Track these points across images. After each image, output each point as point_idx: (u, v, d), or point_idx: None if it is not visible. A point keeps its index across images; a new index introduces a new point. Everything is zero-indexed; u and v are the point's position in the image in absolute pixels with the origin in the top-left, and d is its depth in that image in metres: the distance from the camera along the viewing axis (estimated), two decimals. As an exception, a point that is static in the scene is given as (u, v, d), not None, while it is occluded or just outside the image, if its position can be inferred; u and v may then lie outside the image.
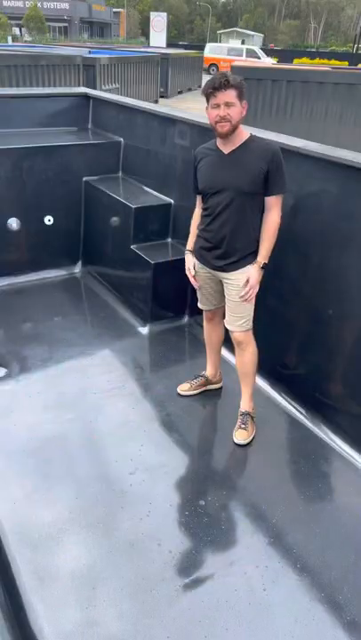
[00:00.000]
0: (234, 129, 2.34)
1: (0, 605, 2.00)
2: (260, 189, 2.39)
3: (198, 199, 2.67)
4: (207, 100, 2.33)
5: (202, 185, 2.53)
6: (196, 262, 2.70)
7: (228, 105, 2.28)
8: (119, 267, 4.11)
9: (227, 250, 2.52)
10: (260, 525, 2.29)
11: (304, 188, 2.72)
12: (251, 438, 2.73)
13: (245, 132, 2.43)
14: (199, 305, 2.90)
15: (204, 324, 2.98)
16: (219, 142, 2.45)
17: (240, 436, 2.72)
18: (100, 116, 4.81)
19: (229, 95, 2.26)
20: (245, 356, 2.70)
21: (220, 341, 2.99)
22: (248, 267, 2.51)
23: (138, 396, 3.07)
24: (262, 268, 2.49)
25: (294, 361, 3.03)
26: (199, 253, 2.67)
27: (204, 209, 2.57)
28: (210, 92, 2.29)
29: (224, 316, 2.73)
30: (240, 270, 2.53)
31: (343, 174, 2.50)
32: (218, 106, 2.29)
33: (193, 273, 2.71)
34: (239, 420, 2.77)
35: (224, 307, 2.71)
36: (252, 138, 2.43)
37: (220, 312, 2.81)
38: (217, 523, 2.28)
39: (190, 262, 2.71)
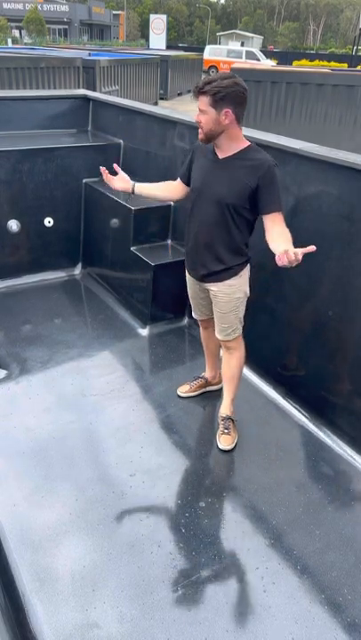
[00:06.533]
0: (208, 137, 2.23)
1: (0, 607, 2.00)
2: (245, 204, 2.26)
3: (177, 179, 2.58)
4: None
5: (191, 187, 2.45)
6: (187, 271, 2.65)
7: (200, 111, 2.18)
8: (119, 268, 4.12)
9: (209, 260, 2.42)
10: (261, 527, 2.29)
11: (304, 189, 2.73)
12: (235, 443, 2.71)
13: (244, 141, 2.29)
14: (193, 314, 2.87)
15: (200, 331, 2.96)
16: (215, 145, 2.32)
17: (225, 442, 2.69)
18: (100, 117, 4.82)
19: (202, 102, 2.16)
20: (232, 360, 2.67)
21: (217, 346, 2.97)
22: (234, 279, 2.44)
23: (138, 397, 3.07)
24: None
25: (294, 362, 3.03)
26: (186, 260, 2.60)
27: (190, 213, 2.46)
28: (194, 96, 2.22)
29: None
30: (224, 283, 2.45)
31: (343, 175, 2.50)
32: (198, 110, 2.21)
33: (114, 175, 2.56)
34: (221, 425, 2.74)
35: None
36: (249, 148, 2.28)
37: (213, 321, 2.77)
38: (217, 524, 2.28)
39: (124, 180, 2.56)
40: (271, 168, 2.21)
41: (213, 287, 2.51)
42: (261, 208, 2.25)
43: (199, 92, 2.16)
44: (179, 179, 2.57)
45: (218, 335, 2.65)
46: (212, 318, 2.73)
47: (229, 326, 2.57)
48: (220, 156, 2.31)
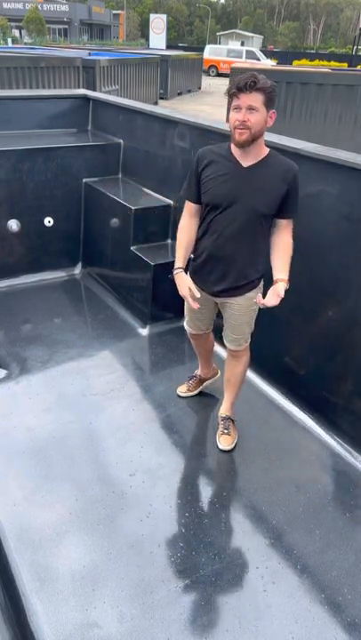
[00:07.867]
0: (253, 139, 2.06)
1: (0, 607, 2.00)
2: (273, 211, 2.19)
3: (190, 207, 2.36)
4: (230, 101, 2.05)
5: (209, 197, 2.22)
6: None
7: (250, 109, 1.99)
8: (119, 268, 4.12)
9: (233, 274, 2.30)
10: (260, 527, 2.29)
11: (304, 188, 2.71)
12: (235, 443, 2.71)
13: (265, 147, 2.19)
14: (185, 325, 2.76)
15: (191, 340, 2.86)
16: (235, 151, 2.16)
17: (225, 442, 2.69)
18: (100, 117, 4.82)
19: (254, 99, 1.98)
20: (238, 367, 2.63)
21: (209, 350, 2.95)
22: (254, 292, 2.36)
23: (138, 397, 3.07)
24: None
25: (295, 362, 3.03)
26: (196, 274, 2.42)
27: (208, 225, 2.28)
28: (233, 93, 2.01)
29: (213, 331, 2.70)
30: (243, 296, 2.37)
31: (343, 175, 2.51)
32: (239, 109, 2.01)
33: (192, 294, 2.30)
34: (221, 425, 2.73)
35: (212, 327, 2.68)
36: (270, 154, 2.20)
37: (205, 333, 2.74)
38: (217, 524, 2.28)
39: (185, 281, 2.32)
40: (298, 173, 2.18)
41: (230, 300, 2.42)
42: (284, 213, 2.21)
43: (252, 87, 1.96)
44: (191, 205, 2.34)
45: (228, 345, 2.57)
46: (206, 332, 2.73)
47: (242, 337, 2.53)
48: (245, 163, 2.16)
